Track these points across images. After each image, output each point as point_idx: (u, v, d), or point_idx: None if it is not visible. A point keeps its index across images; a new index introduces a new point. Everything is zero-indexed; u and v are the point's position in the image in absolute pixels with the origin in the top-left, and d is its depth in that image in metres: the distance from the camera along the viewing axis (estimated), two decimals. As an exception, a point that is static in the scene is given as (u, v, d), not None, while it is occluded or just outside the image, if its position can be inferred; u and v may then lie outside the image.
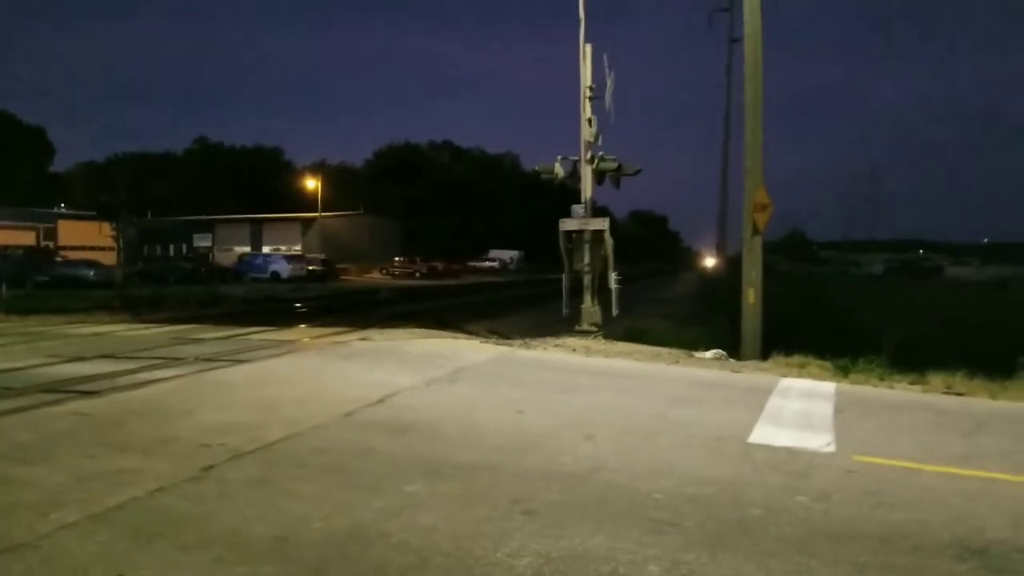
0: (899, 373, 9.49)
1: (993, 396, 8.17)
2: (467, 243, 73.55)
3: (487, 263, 71.02)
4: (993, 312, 29.91)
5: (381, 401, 6.73)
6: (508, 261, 74.19)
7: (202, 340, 11.68)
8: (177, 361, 8.99)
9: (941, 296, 42.71)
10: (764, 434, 5.92)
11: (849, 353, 10.44)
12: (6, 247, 45.31)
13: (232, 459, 4.82)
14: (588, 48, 12.59)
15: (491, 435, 5.69)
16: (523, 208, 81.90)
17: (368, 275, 54.41)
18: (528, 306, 25.61)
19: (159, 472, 4.53)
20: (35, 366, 8.69)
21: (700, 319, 22.27)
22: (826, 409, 7.04)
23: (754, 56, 11.75)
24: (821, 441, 5.76)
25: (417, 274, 54.44)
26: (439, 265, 58.10)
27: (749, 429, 6.06)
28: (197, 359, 9.18)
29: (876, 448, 5.61)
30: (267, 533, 3.66)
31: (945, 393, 8.45)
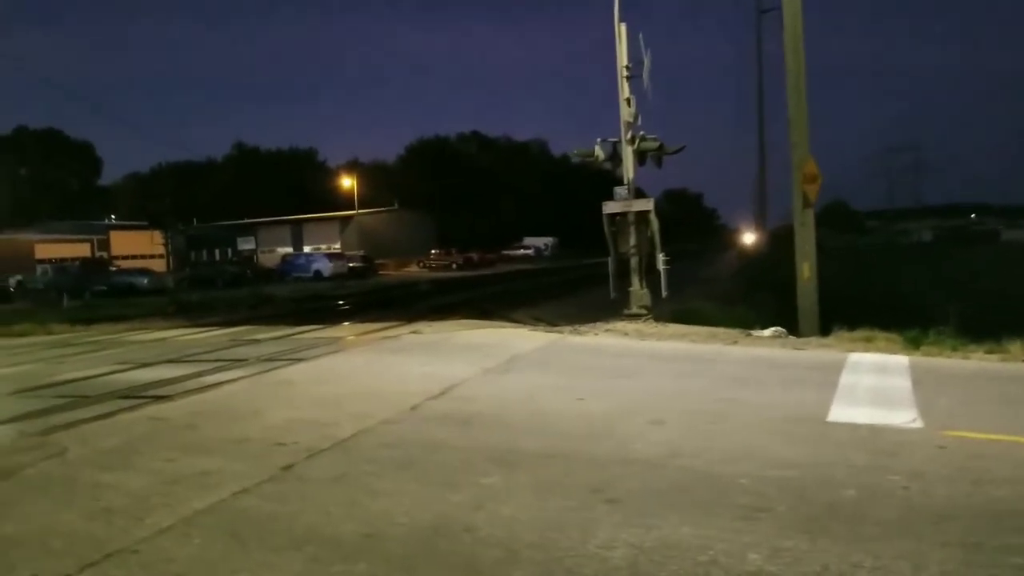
0: (973, 343, 9.09)
1: (1080, 363, 7.74)
2: (500, 232, 73.58)
3: (521, 251, 70.97)
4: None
5: (442, 394, 6.72)
6: (542, 248, 73.98)
7: (258, 341, 11.90)
8: (239, 363, 9.16)
9: (1000, 261, 40.96)
10: (842, 412, 5.71)
11: (909, 325, 10.06)
12: (63, 260, 47.18)
13: (308, 458, 4.86)
14: (623, 27, 12.31)
15: (556, 423, 5.62)
16: (555, 194, 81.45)
17: (406, 269, 54.98)
18: (568, 292, 25.48)
19: (239, 473, 4.58)
20: (107, 373, 8.96)
21: (745, 298, 21.84)
22: (903, 383, 6.77)
23: (794, 27, 11.34)
24: (905, 417, 5.52)
25: (453, 265, 54.75)
26: (474, 256, 58.28)
27: (826, 408, 5.86)
28: (257, 360, 9.35)
29: (964, 422, 5.36)
30: (354, 530, 3.66)
31: (1025, 362, 8.06)
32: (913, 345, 9.10)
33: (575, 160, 13.27)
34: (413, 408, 6.18)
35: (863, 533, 3.50)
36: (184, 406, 6.61)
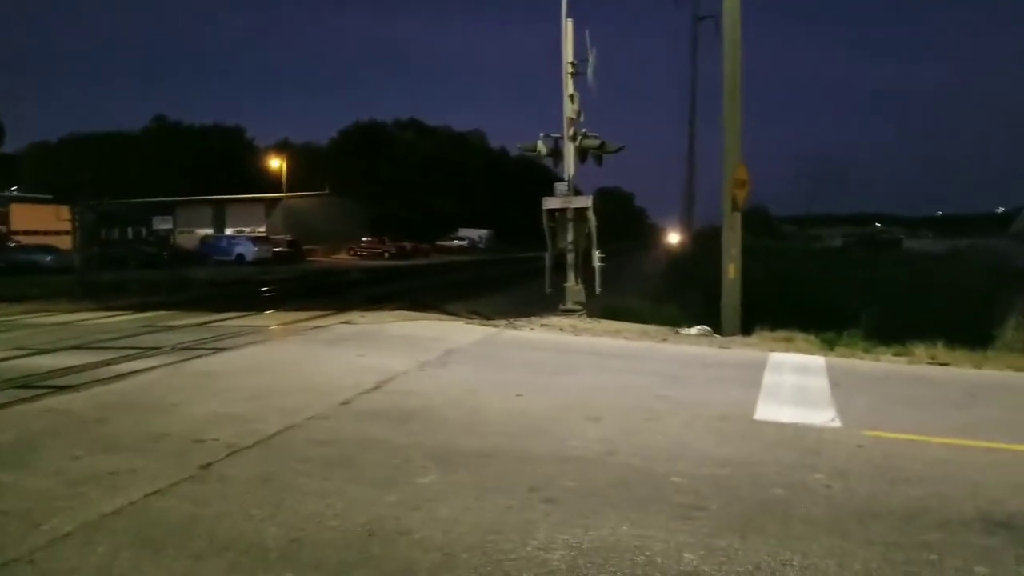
0: (882, 345, 9.64)
1: (978, 366, 8.34)
2: (435, 222, 72.83)
3: (456, 242, 70.48)
4: (951, 281, 30.88)
5: (377, 387, 6.51)
6: (477, 240, 73.74)
7: (175, 327, 11.23)
8: (153, 351, 8.59)
9: (901, 267, 43.90)
10: (768, 411, 5.90)
11: (822, 326, 10.59)
12: (-48, 233, 43.20)
13: (230, 455, 4.57)
14: (570, 23, 12.31)
15: (495, 420, 5.55)
16: (492, 186, 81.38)
17: (335, 256, 53.50)
18: (504, 285, 25.47)
19: (153, 472, 4.26)
20: (2, 359, 8.21)
21: (673, 295, 22.45)
22: (821, 383, 7.08)
23: (732, 34, 11.66)
24: (825, 417, 5.76)
25: (385, 254, 53.73)
26: (407, 245, 57.43)
27: (752, 407, 6.04)
28: (174, 348, 8.80)
29: (879, 422, 5.64)
30: (281, 535, 3.45)
31: (930, 364, 8.61)
32: (828, 346, 9.57)
33: (516, 153, 13.19)
34: (345, 403, 5.96)
35: (792, 531, 3.60)
36: (91, 397, 6.12)
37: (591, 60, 12.15)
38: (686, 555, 3.32)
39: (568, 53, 12.32)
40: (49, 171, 64.53)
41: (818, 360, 8.49)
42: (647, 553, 3.33)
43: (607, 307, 13.79)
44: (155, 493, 3.95)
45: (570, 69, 12.29)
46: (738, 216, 12.11)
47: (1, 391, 6.39)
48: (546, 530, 3.55)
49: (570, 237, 12.49)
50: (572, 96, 12.32)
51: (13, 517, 3.62)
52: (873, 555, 3.36)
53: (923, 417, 5.90)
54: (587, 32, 12.18)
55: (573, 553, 3.31)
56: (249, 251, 40.88)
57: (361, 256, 53.53)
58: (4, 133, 73.54)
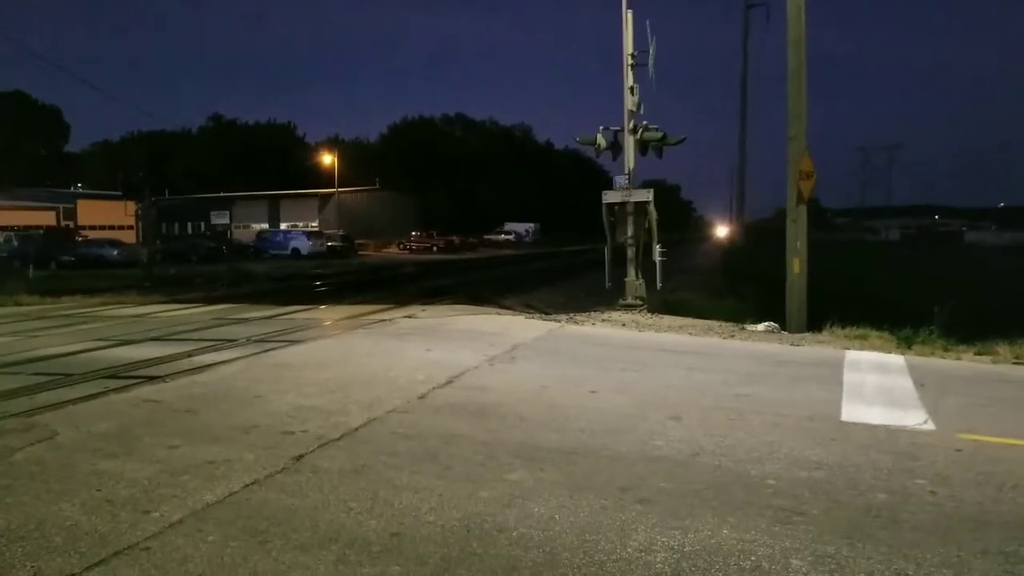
0: (960, 343, 9.21)
1: (1071, 366, 7.88)
2: (482, 216, 73.16)
3: (503, 236, 70.70)
4: (1020, 276, 29.30)
5: (450, 382, 6.56)
6: (524, 234, 73.78)
7: (246, 320, 11.56)
8: (229, 343, 8.85)
9: (966, 262, 41.93)
10: (855, 412, 5.70)
11: (889, 323, 10.17)
12: (27, 228, 45.59)
13: (320, 447, 4.67)
14: (630, 14, 12.11)
15: (572, 417, 5.51)
16: (538, 180, 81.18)
17: (386, 250, 54.35)
18: (555, 279, 25.37)
19: (248, 463, 4.38)
20: (87, 350, 8.59)
21: (730, 290, 21.99)
22: (906, 383, 6.80)
23: (797, 21, 11.26)
24: (917, 419, 5.52)
25: (434, 248, 54.29)
26: (456, 239, 57.91)
27: (837, 407, 5.84)
28: (249, 340, 9.05)
29: (974, 425, 5.38)
30: (381, 528, 3.50)
31: (1016, 363, 8.18)
32: (906, 344, 9.19)
33: (573, 146, 13.08)
34: (422, 397, 6.01)
35: (903, 539, 3.45)
36: (179, 388, 6.34)
37: (651, 51, 11.94)
38: (793, 561, 3.21)
39: (628, 44, 12.13)
40: (112, 168, 67.30)
41: (897, 359, 8.17)
42: (752, 558, 3.24)
43: (664, 301, 13.59)
44: (253, 483, 4.05)
45: (630, 61, 12.10)
46: (803, 209, 11.73)
47: (92, 381, 6.68)
48: (644, 531, 3.50)
49: (630, 231, 12.32)
50: (632, 88, 12.13)
51: (122, 505, 3.77)
52: (992, 567, 3.19)
53: (1020, 419, 5.60)
54: (648, 23, 11.98)
55: (676, 556, 3.25)
56: (304, 245, 41.87)
57: (411, 250, 54.24)
58: (68, 132, 77.09)
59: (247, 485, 4.03)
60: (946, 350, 8.86)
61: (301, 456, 4.50)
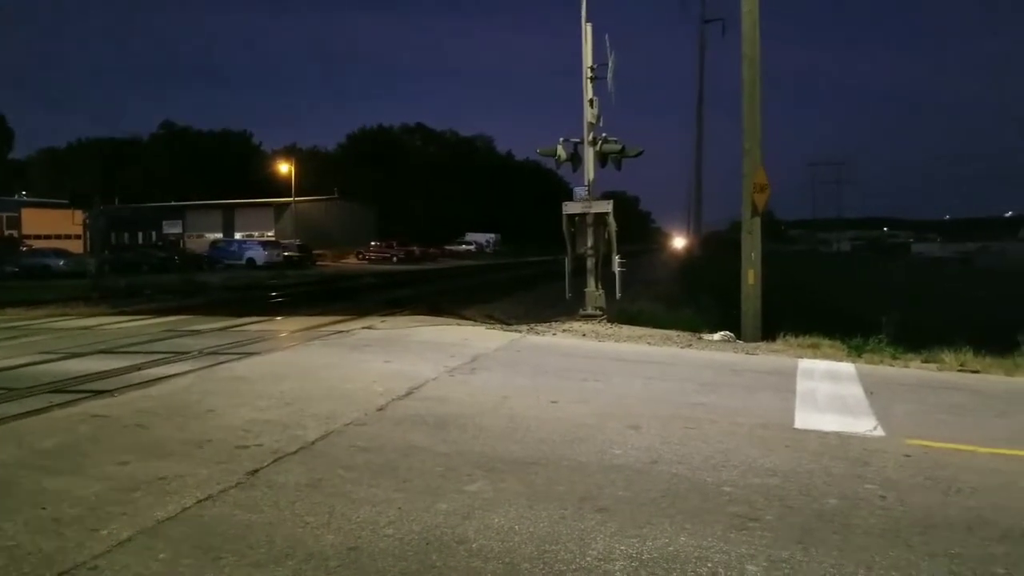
0: (907, 351, 9.57)
1: (1009, 373, 8.26)
2: (442, 226, 72.97)
3: (463, 246, 70.61)
4: (963, 286, 30.71)
5: (409, 394, 6.50)
6: (484, 244, 73.87)
7: (198, 332, 11.25)
8: (181, 355, 8.60)
9: (911, 272, 43.71)
10: (808, 419, 5.85)
11: (840, 332, 10.50)
12: (-34, 237, 43.53)
13: (276, 461, 4.56)
14: (589, 28, 12.31)
15: (533, 427, 5.51)
16: (498, 191, 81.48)
17: (344, 260, 53.63)
18: (515, 290, 25.43)
19: (202, 478, 4.25)
20: (32, 363, 8.23)
21: (687, 300, 22.39)
22: (856, 391, 7.03)
23: (752, 37, 11.62)
24: (867, 425, 5.71)
25: (394, 259, 53.83)
26: (416, 249, 57.53)
27: (790, 415, 6.00)
28: (201, 353, 8.80)
29: (922, 431, 5.59)
30: (338, 543, 3.43)
31: (960, 371, 8.53)
32: (856, 352, 9.50)
33: (534, 158, 13.18)
34: (380, 409, 5.94)
35: (853, 543, 3.55)
36: (129, 402, 6.12)
37: (610, 64, 12.14)
38: (749, 567, 3.28)
39: (588, 57, 12.32)
40: (58, 177, 64.95)
41: (847, 367, 8.43)
42: (708, 564, 3.29)
43: (624, 311, 13.74)
44: (207, 499, 3.93)
45: (589, 74, 12.28)
46: (758, 221, 12.06)
47: (36, 395, 6.40)
48: (603, 540, 3.52)
49: (590, 242, 12.45)
50: (592, 100, 12.31)
51: (69, 524, 3.61)
52: (939, 568, 3.31)
53: (965, 425, 5.84)
54: (607, 36, 12.18)
55: (635, 564, 3.28)
56: (260, 255, 40.99)
57: (370, 260, 53.66)
58: (12, 139, 74.11)
59: (200, 501, 3.91)
60: (894, 358, 9.19)
61: (256, 471, 4.40)
